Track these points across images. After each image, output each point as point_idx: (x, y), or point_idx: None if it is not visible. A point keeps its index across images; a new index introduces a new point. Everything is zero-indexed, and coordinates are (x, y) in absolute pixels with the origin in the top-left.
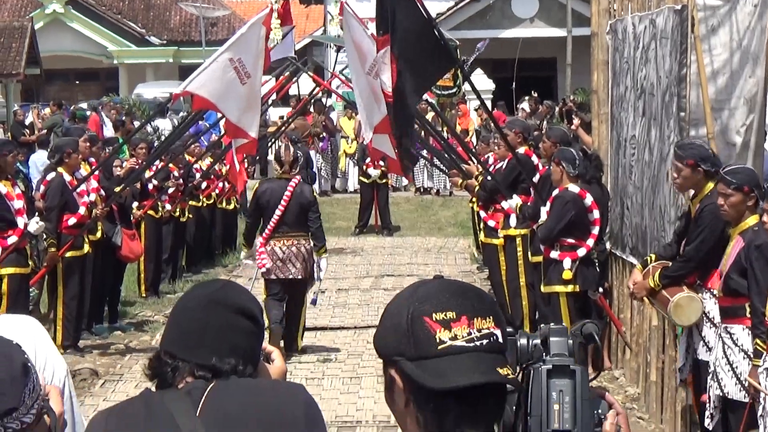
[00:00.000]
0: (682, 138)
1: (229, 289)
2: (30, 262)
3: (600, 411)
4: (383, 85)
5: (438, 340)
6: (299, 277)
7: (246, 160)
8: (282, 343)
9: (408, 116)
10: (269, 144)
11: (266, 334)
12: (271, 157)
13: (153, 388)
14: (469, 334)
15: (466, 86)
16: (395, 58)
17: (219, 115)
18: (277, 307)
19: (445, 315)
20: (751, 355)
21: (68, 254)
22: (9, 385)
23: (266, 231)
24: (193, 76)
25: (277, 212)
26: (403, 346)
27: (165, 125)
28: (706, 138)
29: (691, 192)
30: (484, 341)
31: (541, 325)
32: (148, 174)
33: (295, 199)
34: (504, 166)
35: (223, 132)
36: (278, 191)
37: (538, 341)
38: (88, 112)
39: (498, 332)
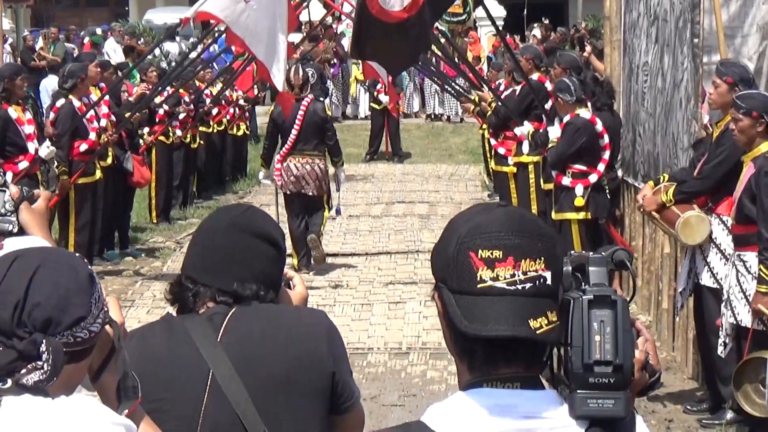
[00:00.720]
0: (695, 64)
1: (251, 214)
2: (41, 188)
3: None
4: (388, 5)
5: (479, 278)
6: (313, 193)
7: (257, 86)
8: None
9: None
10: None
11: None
12: None
13: (174, 313)
14: (513, 276)
15: (477, 13)
16: None
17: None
18: (295, 221)
19: (491, 253)
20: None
21: (80, 181)
22: (77, 294)
23: (283, 150)
24: (208, 3)
25: (293, 132)
26: (447, 274)
27: (175, 50)
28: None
29: (705, 118)
30: (528, 285)
31: (572, 252)
32: (158, 100)
33: (308, 118)
34: (517, 92)
35: (234, 58)
36: (292, 111)
37: (569, 268)
38: (87, 39)
39: (548, 274)
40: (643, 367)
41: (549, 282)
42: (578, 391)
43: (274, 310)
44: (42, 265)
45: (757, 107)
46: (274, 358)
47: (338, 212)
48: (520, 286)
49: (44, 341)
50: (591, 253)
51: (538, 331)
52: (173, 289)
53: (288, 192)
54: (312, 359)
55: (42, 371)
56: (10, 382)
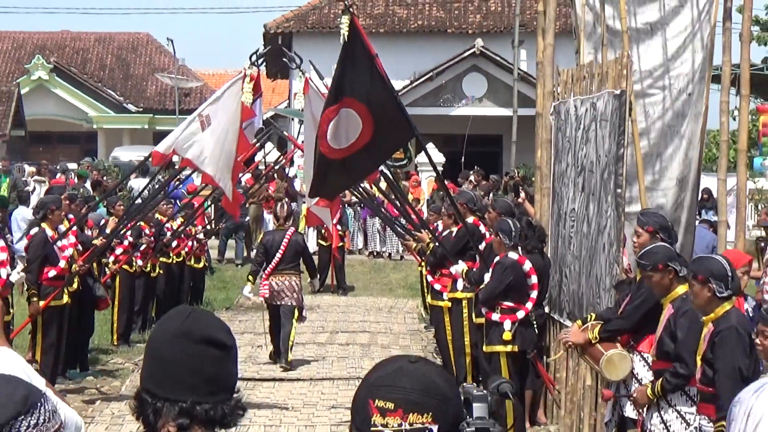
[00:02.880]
0: (618, 213)
1: (194, 320)
2: (11, 310)
3: None
4: (335, 142)
5: (372, 423)
6: (291, 303)
7: (212, 223)
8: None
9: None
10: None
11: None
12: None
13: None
14: (400, 425)
15: (418, 158)
16: (371, 115)
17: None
18: (275, 323)
19: (385, 404)
20: (685, 418)
21: (50, 304)
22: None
23: (268, 269)
24: (168, 139)
25: (278, 255)
26: (354, 413)
27: (137, 185)
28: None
29: (626, 262)
30: None
31: (464, 384)
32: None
33: (291, 245)
34: (454, 234)
35: (193, 195)
36: (278, 239)
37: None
38: (59, 174)
39: (434, 427)
40: None
41: None
42: None
43: None
44: None
45: (660, 260)
46: None
47: (303, 319)
48: None
49: None
50: (475, 389)
51: None
52: (135, 403)
53: (272, 303)
54: None
55: None
56: None
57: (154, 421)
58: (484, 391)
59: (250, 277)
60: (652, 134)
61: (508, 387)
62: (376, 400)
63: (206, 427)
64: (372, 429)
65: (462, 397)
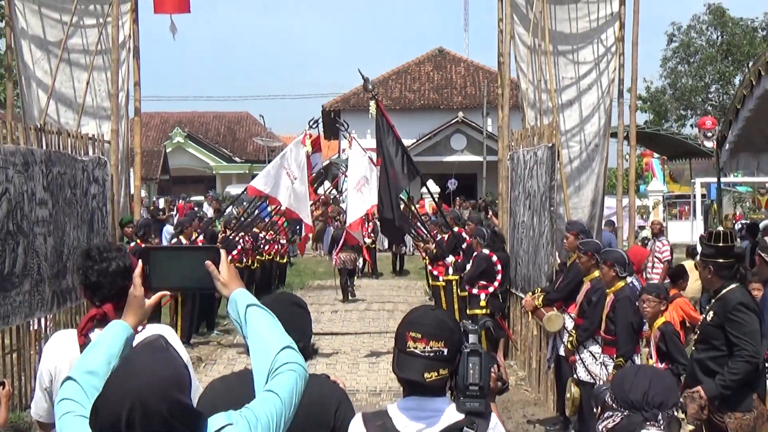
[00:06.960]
0: (552, 223)
1: (288, 294)
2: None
3: (491, 364)
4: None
5: (407, 346)
6: (351, 267)
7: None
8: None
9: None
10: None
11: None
12: None
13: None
14: (424, 348)
15: (423, 189)
16: (393, 169)
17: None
18: (343, 278)
19: (416, 334)
20: (595, 356)
21: None
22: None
23: (337, 249)
24: (260, 177)
25: (341, 241)
26: (397, 339)
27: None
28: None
29: (556, 254)
30: (431, 354)
31: (463, 321)
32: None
33: (348, 235)
34: (446, 239)
35: (276, 214)
36: (341, 233)
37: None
38: (179, 201)
39: (445, 350)
40: (499, 379)
41: (446, 354)
42: (461, 398)
43: (311, 379)
44: None
45: (591, 249)
46: (304, 410)
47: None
48: (427, 354)
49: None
50: (470, 325)
51: (427, 380)
52: None
53: (340, 267)
54: (323, 416)
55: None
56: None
57: None
58: (476, 327)
59: (327, 255)
60: (574, 172)
61: (490, 323)
62: (411, 332)
63: None
64: (407, 350)
65: (462, 330)
